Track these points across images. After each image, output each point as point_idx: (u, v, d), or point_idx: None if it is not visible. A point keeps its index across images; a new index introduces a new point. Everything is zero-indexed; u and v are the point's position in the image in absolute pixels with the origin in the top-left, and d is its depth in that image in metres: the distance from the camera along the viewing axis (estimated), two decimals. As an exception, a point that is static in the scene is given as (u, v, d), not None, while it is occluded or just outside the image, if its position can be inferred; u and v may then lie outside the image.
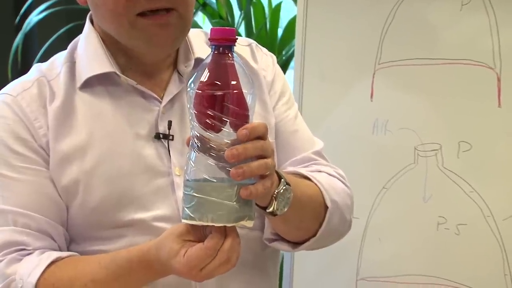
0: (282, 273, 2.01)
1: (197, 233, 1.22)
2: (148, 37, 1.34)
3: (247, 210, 1.18)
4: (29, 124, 1.38)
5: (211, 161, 1.16)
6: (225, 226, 1.19)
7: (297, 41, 1.99)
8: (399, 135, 1.89)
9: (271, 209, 1.28)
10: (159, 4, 1.32)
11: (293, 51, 2.18)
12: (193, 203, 1.17)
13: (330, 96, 1.97)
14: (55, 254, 1.34)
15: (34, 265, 1.33)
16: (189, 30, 1.41)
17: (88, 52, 1.42)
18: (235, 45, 1.18)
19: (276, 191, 1.26)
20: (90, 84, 1.40)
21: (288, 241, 1.42)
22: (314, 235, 1.41)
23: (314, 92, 1.98)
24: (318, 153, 1.49)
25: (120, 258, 1.31)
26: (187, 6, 1.36)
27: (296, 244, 1.42)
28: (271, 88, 1.49)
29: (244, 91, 1.16)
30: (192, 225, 1.20)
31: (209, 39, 1.18)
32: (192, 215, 1.17)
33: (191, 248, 1.20)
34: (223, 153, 1.15)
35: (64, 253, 1.36)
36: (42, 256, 1.34)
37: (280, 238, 1.42)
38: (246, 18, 2.64)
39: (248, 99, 1.17)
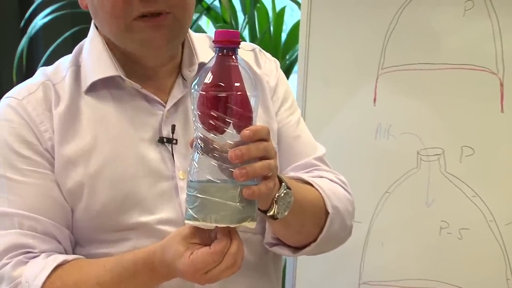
0: (285, 277, 2.01)
1: (203, 236, 1.22)
2: (143, 40, 1.35)
3: (250, 211, 1.18)
4: (35, 128, 1.39)
5: (214, 162, 1.16)
6: (229, 230, 1.19)
7: (301, 46, 2.00)
8: (402, 139, 1.89)
9: (271, 213, 1.28)
10: (155, 7, 1.33)
11: (297, 56, 2.19)
12: (196, 204, 1.17)
13: (333, 100, 1.97)
14: (61, 257, 1.34)
15: (40, 268, 1.33)
16: (185, 33, 1.41)
17: (93, 56, 1.42)
18: (239, 47, 1.19)
19: (277, 194, 1.27)
20: (94, 88, 1.41)
21: (288, 246, 1.43)
22: (314, 240, 1.41)
23: (317, 96, 1.99)
24: (320, 159, 1.50)
25: (125, 260, 1.31)
26: (184, 10, 1.36)
27: (296, 249, 1.43)
28: (274, 93, 1.49)
29: (248, 93, 1.17)
30: (198, 228, 1.21)
31: (213, 41, 1.18)
32: (195, 216, 1.17)
33: (197, 251, 1.20)
34: (226, 154, 1.15)
35: (70, 256, 1.36)
36: (48, 259, 1.34)
37: (280, 242, 1.43)
38: (250, 22, 2.64)
39: (252, 101, 1.18)
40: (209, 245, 1.20)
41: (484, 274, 1.81)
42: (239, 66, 1.17)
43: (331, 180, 1.46)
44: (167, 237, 1.26)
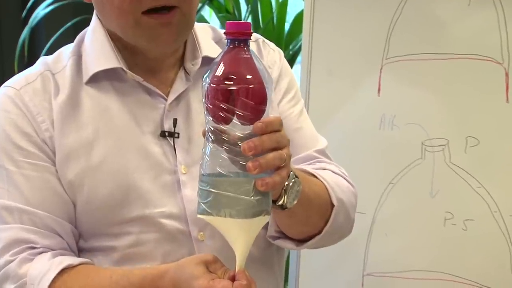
0: (289, 268, 2.01)
1: (221, 269, 1.22)
2: (152, 36, 1.34)
3: (264, 205, 1.17)
4: (31, 118, 1.38)
5: (226, 156, 1.15)
6: (245, 271, 1.19)
7: (304, 36, 1.99)
8: (406, 130, 1.88)
9: (281, 202, 1.27)
10: (164, 1, 1.32)
11: (300, 46, 2.18)
12: (209, 199, 1.16)
13: (337, 91, 1.96)
14: (67, 261, 1.33)
15: (45, 269, 1.32)
16: (192, 27, 1.40)
17: (95, 46, 1.42)
18: (250, 39, 1.17)
19: (286, 183, 1.26)
20: (96, 79, 1.40)
21: (291, 239, 1.42)
22: (318, 233, 1.40)
23: (321, 87, 1.98)
24: (321, 152, 1.49)
25: (133, 274, 1.30)
26: (191, 4, 1.35)
27: (299, 242, 1.42)
28: (276, 85, 1.48)
29: (261, 85, 1.15)
30: (218, 258, 1.22)
31: (224, 33, 1.17)
32: (209, 210, 1.16)
33: (219, 280, 1.19)
34: (238, 147, 1.14)
35: (76, 260, 1.35)
36: (53, 260, 1.33)
37: (283, 236, 1.42)
38: (253, 13, 2.64)
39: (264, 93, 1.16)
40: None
41: (488, 265, 1.80)
42: (252, 57, 1.16)
43: (334, 172, 1.46)
44: (184, 259, 1.25)
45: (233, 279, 1.20)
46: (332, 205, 1.40)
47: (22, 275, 1.33)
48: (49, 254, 1.35)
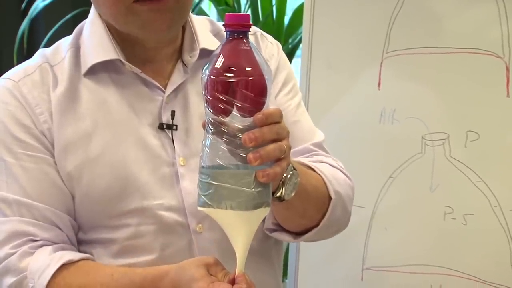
0: (288, 261, 2.01)
1: (221, 272, 1.22)
2: (144, 23, 1.33)
3: (265, 197, 1.17)
4: (30, 110, 1.38)
5: (226, 147, 1.14)
6: (245, 274, 1.19)
7: (305, 29, 1.98)
8: (406, 124, 1.88)
9: (279, 194, 1.27)
10: None
11: (300, 39, 2.18)
12: (210, 191, 1.15)
13: (337, 84, 1.96)
14: (67, 256, 1.33)
15: (45, 264, 1.32)
16: (187, 15, 1.40)
17: (94, 38, 1.41)
18: (249, 31, 1.17)
19: (284, 175, 1.25)
20: (94, 71, 1.40)
21: (289, 232, 1.42)
22: (316, 226, 1.40)
23: (321, 80, 1.97)
24: (318, 145, 1.48)
25: (133, 274, 1.30)
26: None
27: (297, 235, 1.42)
28: (274, 78, 1.48)
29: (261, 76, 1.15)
30: (219, 261, 1.22)
31: (223, 25, 1.17)
32: (209, 203, 1.16)
33: (218, 283, 1.19)
34: (238, 139, 1.14)
35: (77, 256, 1.35)
36: (54, 255, 1.33)
37: (281, 228, 1.42)
38: (253, 6, 2.63)
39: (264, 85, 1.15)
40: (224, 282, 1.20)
41: (488, 259, 1.80)
42: (251, 49, 1.15)
43: (331, 165, 1.46)
44: (186, 260, 1.25)
45: (233, 282, 1.19)
46: (330, 198, 1.39)
47: (23, 269, 1.33)
48: (49, 248, 1.34)
